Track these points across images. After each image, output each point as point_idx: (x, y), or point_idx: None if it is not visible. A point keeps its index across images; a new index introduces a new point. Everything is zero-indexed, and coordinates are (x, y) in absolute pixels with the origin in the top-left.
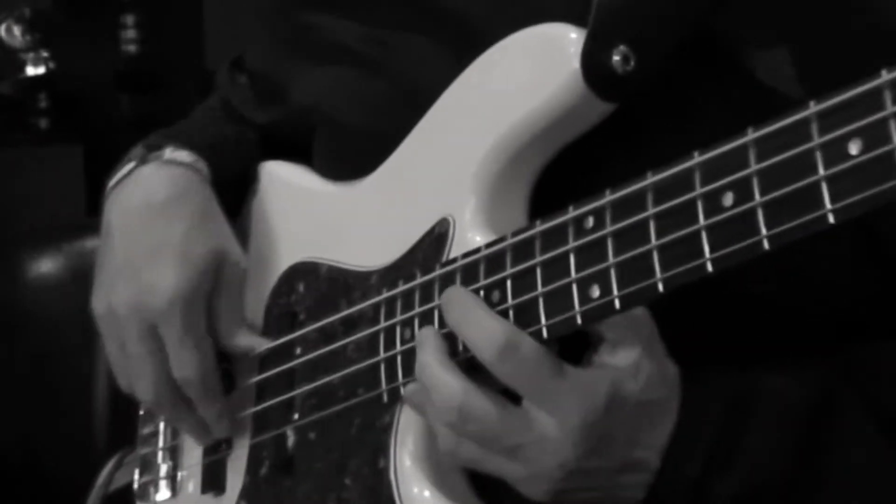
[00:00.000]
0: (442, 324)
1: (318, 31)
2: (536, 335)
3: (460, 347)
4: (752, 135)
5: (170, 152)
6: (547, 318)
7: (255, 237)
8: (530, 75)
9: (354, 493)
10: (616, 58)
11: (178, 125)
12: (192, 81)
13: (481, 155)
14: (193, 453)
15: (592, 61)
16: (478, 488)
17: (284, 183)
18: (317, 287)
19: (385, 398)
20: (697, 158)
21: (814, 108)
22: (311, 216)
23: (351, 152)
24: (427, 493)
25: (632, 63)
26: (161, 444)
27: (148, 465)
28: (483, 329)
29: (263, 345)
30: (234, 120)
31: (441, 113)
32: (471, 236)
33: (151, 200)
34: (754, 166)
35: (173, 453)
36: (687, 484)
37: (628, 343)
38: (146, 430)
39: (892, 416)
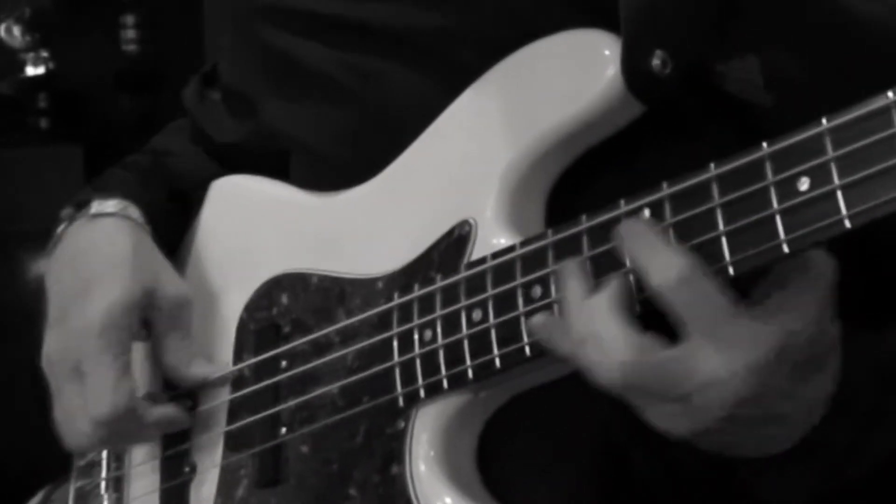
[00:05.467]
0: (470, 323)
1: (288, 53)
2: None
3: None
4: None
5: (96, 206)
6: None
7: (216, 254)
8: (565, 80)
9: (362, 502)
10: (655, 61)
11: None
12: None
13: (510, 157)
14: (146, 481)
15: (632, 66)
16: (490, 487)
17: (251, 195)
18: (305, 298)
19: (401, 402)
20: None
21: None
22: (289, 227)
23: (326, 180)
24: (447, 498)
25: (669, 66)
26: (104, 474)
27: (85, 499)
28: (666, 256)
29: (216, 373)
30: (195, 143)
31: (453, 120)
32: (494, 238)
33: (76, 252)
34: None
35: (118, 484)
36: (832, 451)
37: (804, 305)
38: (84, 461)
39: None
